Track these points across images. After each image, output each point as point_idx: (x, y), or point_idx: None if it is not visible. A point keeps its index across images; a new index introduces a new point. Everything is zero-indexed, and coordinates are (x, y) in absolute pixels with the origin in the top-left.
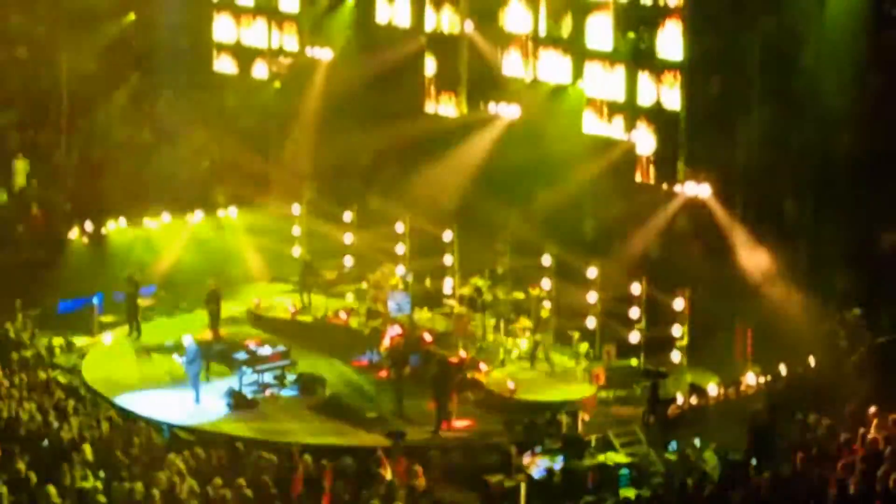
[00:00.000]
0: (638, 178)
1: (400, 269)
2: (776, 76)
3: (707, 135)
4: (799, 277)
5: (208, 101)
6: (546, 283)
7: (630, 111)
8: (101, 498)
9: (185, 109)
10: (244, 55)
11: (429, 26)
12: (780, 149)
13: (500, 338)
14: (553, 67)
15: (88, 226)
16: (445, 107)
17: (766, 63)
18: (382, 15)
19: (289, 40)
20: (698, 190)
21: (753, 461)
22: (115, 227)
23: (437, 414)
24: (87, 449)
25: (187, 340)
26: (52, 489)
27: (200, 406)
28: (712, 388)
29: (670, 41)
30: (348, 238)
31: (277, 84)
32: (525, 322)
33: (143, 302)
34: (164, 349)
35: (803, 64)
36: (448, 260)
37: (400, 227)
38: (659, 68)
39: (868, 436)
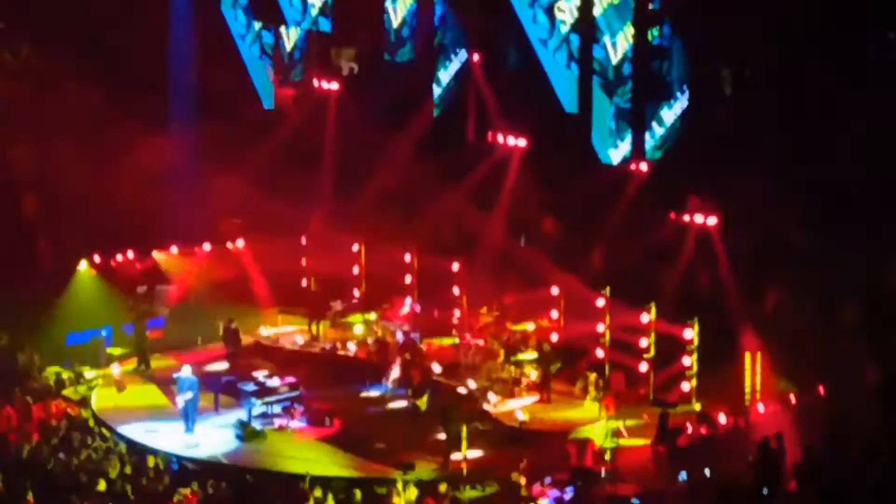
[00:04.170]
0: (647, 208)
1: (408, 301)
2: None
3: (715, 165)
4: (809, 306)
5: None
6: (554, 314)
7: (640, 140)
8: None
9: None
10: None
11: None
12: (790, 178)
13: (509, 368)
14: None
15: (97, 258)
16: (453, 136)
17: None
18: (389, 48)
19: (297, 72)
20: (707, 220)
21: (764, 490)
22: (124, 259)
23: (447, 445)
24: (100, 482)
25: (185, 371)
26: None
27: (209, 437)
28: (722, 418)
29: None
30: (356, 269)
31: (286, 115)
32: (532, 352)
33: (151, 334)
34: (172, 381)
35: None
36: (456, 291)
37: (407, 258)
38: (667, 98)
39: (878, 466)
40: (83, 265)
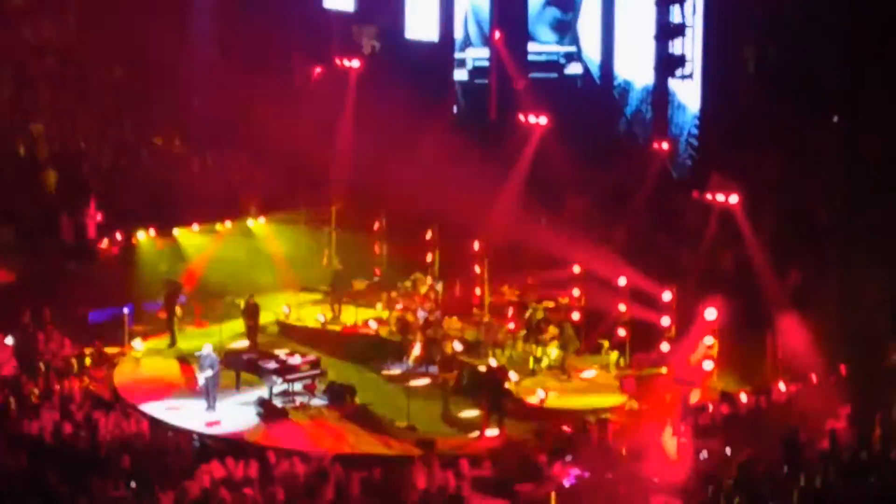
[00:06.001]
0: (668, 186)
1: (428, 279)
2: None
3: (738, 143)
4: (830, 284)
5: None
6: (576, 292)
7: (660, 118)
8: None
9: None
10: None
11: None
12: (809, 155)
13: (530, 346)
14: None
15: (118, 236)
16: (475, 116)
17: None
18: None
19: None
20: (728, 198)
21: (785, 470)
22: (145, 237)
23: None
24: (121, 460)
25: (206, 349)
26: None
27: (230, 415)
28: (743, 397)
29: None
30: (378, 247)
31: (307, 93)
32: (553, 331)
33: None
34: (194, 359)
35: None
36: (477, 269)
37: (428, 236)
38: (688, 76)
39: None
40: (104, 242)
